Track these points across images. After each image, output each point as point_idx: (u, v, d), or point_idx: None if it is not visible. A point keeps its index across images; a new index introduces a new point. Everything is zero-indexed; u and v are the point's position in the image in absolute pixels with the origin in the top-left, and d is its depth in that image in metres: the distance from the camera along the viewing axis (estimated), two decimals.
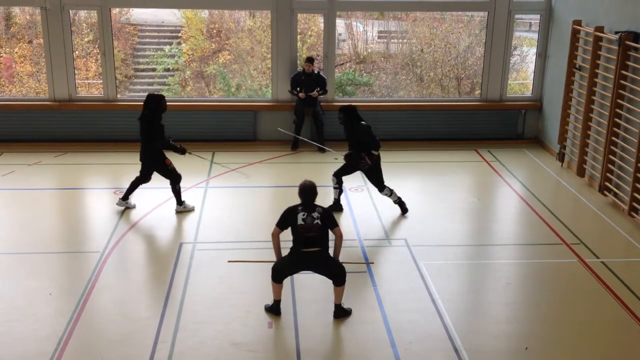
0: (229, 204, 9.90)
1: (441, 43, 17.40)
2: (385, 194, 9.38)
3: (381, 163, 9.29)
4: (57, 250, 8.39)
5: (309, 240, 6.65)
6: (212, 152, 12.05)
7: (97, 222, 9.22)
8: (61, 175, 11.04)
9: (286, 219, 6.75)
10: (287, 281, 7.43)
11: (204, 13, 17.74)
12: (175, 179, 9.41)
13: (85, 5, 12.96)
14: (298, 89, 12.09)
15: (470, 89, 16.81)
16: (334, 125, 12.41)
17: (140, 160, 9.35)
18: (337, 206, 9.47)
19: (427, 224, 9.28)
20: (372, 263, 8.05)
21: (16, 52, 16.95)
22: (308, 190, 6.75)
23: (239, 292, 7.32)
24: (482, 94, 13.23)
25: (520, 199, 10.29)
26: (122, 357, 6.19)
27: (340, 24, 16.66)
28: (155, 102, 9.13)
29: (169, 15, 18.02)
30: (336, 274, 6.79)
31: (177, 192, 9.44)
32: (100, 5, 12.15)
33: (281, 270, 6.84)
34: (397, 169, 11.60)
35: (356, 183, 10.54)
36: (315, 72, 12.17)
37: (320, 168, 11.26)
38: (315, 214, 6.67)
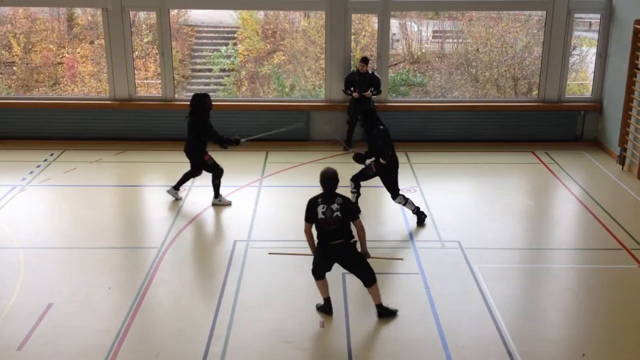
0: (282, 203, 9.99)
1: (497, 42, 17.15)
2: (399, 202, 9.05)
3: (398, 170, 9.02)
4: (116, 245, 8.64)
5: (331, 234, 6.53)
6: (266, 151, 12.17)
7: (155, 219, 9.43)
8: (121, 173, 11.35)
9: (311, 212, 6.59)
10: (339, 281, 7.47)
11: (260, 14, 17.93)
12: (216, 173, 9.72)
13: (145, 6, 13.27)
14: (352, 88, 12.11)
15: (528, 89, 16.50)
16: (387, 125, 12.41)
17: (187, 155, 9.74)
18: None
19: (482, 226, 9.16)
20: (402, 259, 8.02)
21: (78, 53, 17.47)
22: (329, 178, 6.54)
23: (291, 290, 7.39)
24: (540, 94, 12.98)
25: (578, 202, 10.06)
26: (177, 350, 6.33)
27: (394, 24, 16.58)
28: (199, 101, 9.47)
29: (226, 17, 18.28)
30: (362, 271, 6.66)
31: (216, 185, 9.76)
32: (159, 7, 12.43)
33: (317, 266, 6.80)
34: (451, 171, 11.51)
35: (408, 183, 10.50)
36: (369, 72, 12.16)
37: None
38: (335, 206, 6.49)
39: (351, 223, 6.61)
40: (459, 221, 9.29)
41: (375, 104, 12.28)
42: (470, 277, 7.71)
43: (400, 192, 9.03)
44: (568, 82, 13.35)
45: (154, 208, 9.83)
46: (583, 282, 7.81)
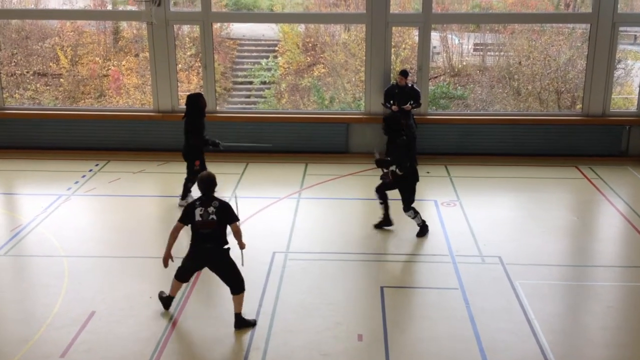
0: (321, 215, 10.02)
1: (540, 55, 16.95)
2: (409, 215, 9.04)
3: (416, 182, 8.91)
4: (157, 255, 8.70)
5: (205, 237, 6.66)
6: (305, 163, 12.24)
7: None
8: (163, 183, 11.53)
9: (188, 214, 6.71)
10: (377, 295, 7.44)
11: (301, 27, 18.08)
12: (191, 178, 9.87)
13: (188, 20, 13.53)
14: (391, 102, 12.10)
15: (571, 103, 16.25)
16: (426, 138, 12.38)
17: (184, 158, 10.02)
18: (387, 222, 9.35)
19: (523, 242, 9.03)
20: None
21: (123, 65, 17.85)
22: (205, 182, 6.71)
23: (329, 303, 7.39)
24: (584, 108, 12.77)
25: (623, 219, 9.84)
26: None
27: (435, 37, 16.54)
28: (194, 101, 9.75)
29: (267, 30, 18.50)
30: (230, 279, 6.78)
31: (186, 187, 10.02)
32: (202, 20, 12.64)
33: (184, 268, 6.97)
34: (492, 185, 11.38)
35: (448, 197, 10.42)
36: (409, 85, 12.14)
37: None
38: (211, 209, 6.63)
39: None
40: (500, 236, 9.17)
41: (415, 116, 12.26)
42: (512, 293, 7.60)
43: (413, 206, 8.97)
44: (613, 96, 13.10)
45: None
46: (627, 300, 7.63)
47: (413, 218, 9.08)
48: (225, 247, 6.77)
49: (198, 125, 9.81)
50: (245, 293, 7.70)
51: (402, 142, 8.70)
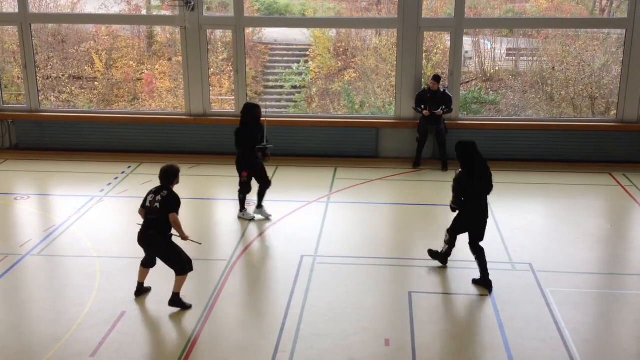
0: (350, 220, 10.01)
1: (574, 61, 16.72)
2: (445, 240, 8.19)
3: (476, 221, 7.85)
4: None
5: (150, 222, 7.06)
6: (335, 167, 12.24)
7: (225, 232, 9.62)
8: (194, 186, 11.63)
9: (144, 200, 7.16)
10: (405, 300, 7.41)
11: (332, 32, 18.12)
12: (241, 190, 9.74)
13: (221, 25, 13.66)
14: (422, 106, 12.05)
15: (605, 109, 16.00)
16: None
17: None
18: (444, 257, 8.34)
19: (555, 249, 8.91)
20: (200, 244, 7.77)
21: (157, 69, 18.09)
22: (162, 171, 7.16)
23: (356, 308, 7.37)
24: (618, 114, 12.57)
25: None
26: None
27: (467, 42, 16.43)
28: (250, 111, 9.54)
29: (298, 34, 18.57)
30: (170, 262, 7.12)
31: (240, 199, 9.84)
32: (235, 25, 12.75)
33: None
34: (524, 191, 11.25)
35: None
36: (441, 90, 12.08)
37: (442, 187, 11.13)
38: (158, 197, 7.02)
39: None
40: (531, 243, 9.06)
41: (446, 122, 12.19)
42: (542, 301, 7.50)
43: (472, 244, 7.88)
44: None
45: (224, 221, 10.02)
46: None
47: (445, 242, 8.19)
48: (168, 234, 7.08)
49: (249, 136, 9.49)
50: (273, 296, 7.76)
51: (457, 174, 7.74)
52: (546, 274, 8.13)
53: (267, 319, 7.21)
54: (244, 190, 9.79)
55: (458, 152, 7.72)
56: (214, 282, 7.96)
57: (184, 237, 7.11)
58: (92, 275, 8.15)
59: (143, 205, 7.20)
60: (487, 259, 8.51)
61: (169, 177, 7.19)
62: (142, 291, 7.55)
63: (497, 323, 7.05)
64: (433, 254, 8.37)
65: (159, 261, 7.34)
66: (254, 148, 9.56)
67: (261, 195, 9.89)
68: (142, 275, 7.52)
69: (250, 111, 9.54)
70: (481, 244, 7.86)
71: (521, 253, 8.73)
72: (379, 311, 7.29)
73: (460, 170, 7.74)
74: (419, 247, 9.08)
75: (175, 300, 7.24)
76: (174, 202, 7.07)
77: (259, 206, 9.93)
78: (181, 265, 7.15)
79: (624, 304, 7.56)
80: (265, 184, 9.84)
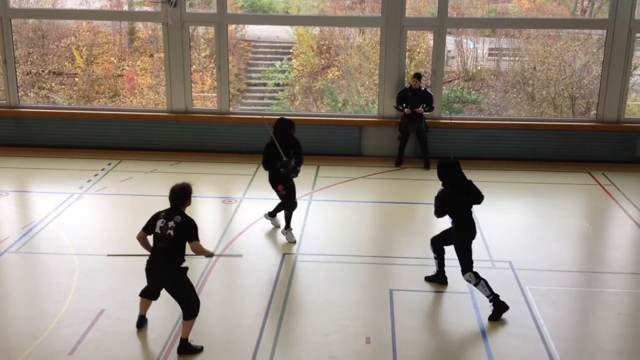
0: (332, 218, 10.01)
1: (555, 61, 16.85)
2: (468, 280, 7.32)
3: (466, 239, 7.41)
4: None
5: (160, 252, 6.17)
6: (317, 165, 12.24)
7: (205, 230, 9.54)
8: (175, 183, 11.53)
9: (150, 223, 6.23)
10: (386, 297, 7.42)
11: (316, 30, 18.10)
12: (285, 206, 9.03)
13: (204, 21, 13.58)
14: (404, 104, 12.08)
15: (586, 109, 16.14)
16: (438, 142, 12.34)
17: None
18: (440, 278, 7.94)
19: (534, 247, 8.98)
20: (241, 255, 7.66)
21: (138, 65, 17.95)
22: (172, 191, 6.21)
23: (337, 306, 7.38)
24: (598, 114, 12.69)
25: (636, 226, 9.75)
26: None
27: (449, 41, 16.49)
28: (281, 124, 8.82)
29: (282, 32, 18.53)
30: (181, 303, 6.28)
31: (286, 216, 9.06)
32: (217, 22, 12.69)
33: (146, 286, 6.48)
34: (504, 190, 11.32)
35: None
36: (422, 88, 12.11)
37: (424, 185, 11.17)
38: (171, 223, 6.10)
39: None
40: (511, 241, 9.12)
41: (427, 120, 12.23)
42: (521, 298, 7.55)
43: (475, 270, 7.31)
44: (628, 103, 13.01)
45: (205, 219, 9.97)
46: (638, 307, 7.55)
47: (475, 285, 7.27)
48: (182, 266, 6.25)
49: (273, 151, 8.71)
50: (254, 294, 7.73)
51: (439, 191, 7.32)
52: (526, 272, 8.18)
53: (248, 317, 7.19)
54: (288, 205, 8.99)
55: (437, 172, 7.34)
56: (194, 280, 7.87)
57: (210, 256, 6.42)
58: (70, 272, 8.07)
59: (147, 230, 6.28)
60: None
61: (181, 198, 6.24)
62: (143, 323, 6.84)
63: (477, 321, 7.09)
64: (430, 279, 7.94)
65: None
66: (272, 164, 8.76)
67: (287, 217, 9.09)
68: (144, 307, 6.74)
69: (285, 127, 8.83)
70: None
71: (501, 251, 8.79)
72: (360, 309, 7.30)
73: (442, 188, 7.36)
74: (400, 245, 9.11)
75: (185, 347, 6.37)
76: (191, 229, 6.16)
77: (282, 224, 9.23)
78: (191, 307, 6.28)
79: (602, 302, 7.64)
80: (289, 203, 9.04)
